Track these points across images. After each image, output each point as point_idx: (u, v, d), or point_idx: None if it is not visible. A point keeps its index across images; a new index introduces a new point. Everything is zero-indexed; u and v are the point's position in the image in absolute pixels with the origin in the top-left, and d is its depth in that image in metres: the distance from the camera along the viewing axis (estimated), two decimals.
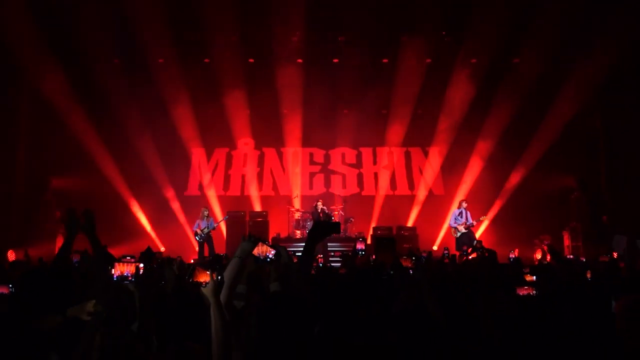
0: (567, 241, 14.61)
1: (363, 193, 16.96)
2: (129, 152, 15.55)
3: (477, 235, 14.22)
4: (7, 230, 14.10)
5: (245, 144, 17.06)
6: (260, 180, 16.99)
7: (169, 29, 13.89)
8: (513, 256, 10.11)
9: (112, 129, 15.22)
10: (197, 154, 17.10)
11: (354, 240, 12.80)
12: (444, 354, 2.50)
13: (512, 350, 2.86)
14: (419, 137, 16.69)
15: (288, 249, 3.62)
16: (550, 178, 15.52)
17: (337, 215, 15.13)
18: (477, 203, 14.79)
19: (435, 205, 16.21)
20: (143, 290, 2.86)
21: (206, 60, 15.29)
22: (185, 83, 15.25)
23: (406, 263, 3.94)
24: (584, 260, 10.12)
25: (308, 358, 2.20)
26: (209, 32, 14.09)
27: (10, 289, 3.84)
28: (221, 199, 16.54)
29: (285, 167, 17.12)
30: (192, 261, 11.92)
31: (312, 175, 17.19)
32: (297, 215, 15.30)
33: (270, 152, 17.21)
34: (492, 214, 15.40)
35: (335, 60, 15.44)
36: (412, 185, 17.00)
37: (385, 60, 15.57)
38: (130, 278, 2.71)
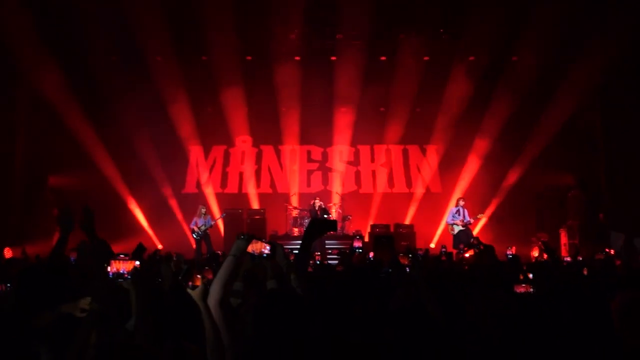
0: (564, 239, 14.63)
1: (361, 191, 16.98)
2: (126, 150, 15.52)
3: (475, 232, 14.23)
4: (5, 227, 14.04)
5: (243, 141, 17.05)
6: (258, 178, 16.99)
7: (167, 26, 13.84)
8: (511, 253, 10.11)
9: (110, 127, 15.17)
10: (195, 151, 17.09)
11: (352, 238, 12.83)
12: (441, 351, 2.50)
13: (510, 348, 2.86)
14: (416, 135, 16.71)
15: (286, 247, 3.63)
16: (547, 176, 15.55)
17: (334, 213, 15.12)
18: (474, 201, 14.81)
19: (433, 203, 16.24)
20: (140, 287, 2.86)
21: (204, 57, 15.25)
22: (183, 81, 15.22)
23: (403, 260, 3.94)
24: (581, 258, 10.13)
25: (305, 356, 2.19)
26: (207, 29, 14.04)
27: (7, 287, 3.83)
28: (219, 197, 16.54)
29: (283, 164, 17.12)
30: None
31: (309, 172, 17.20)
32: (295, 212, 15.31)
33: (268, 150, 17.21)
34: (489, 211, 15.42)
35: (333, 58, 15.41)
36: (409, 183, 17.03)
37: (383, 58, 15.55)
38: (126, 275, 2.70)
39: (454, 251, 11.65)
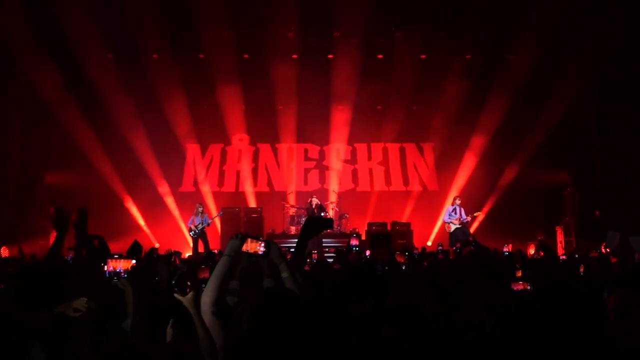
0: (560, 236, 14.68)
1: (358, 189, 16.99)
2: (122, 148, 15.49)
3: (472, 230, 14.26)
4: (0, 226, 14.02)
5: (239, 139, 17.04)
6: (255, 176, 16.98)
7: (163, 24, 13.82)
8: (507, 251, 10.14)
9: (106, 125, 15.13)
10: (192, 149, 17.07)
11: (349, 236, 12.83)
12: (437, 349, 2.51)
13: (508, 345, 2.87)
14: (413, 133, 16.73)
15: (283, 245, 3.63)
16: (544, 174, 15.59)
17: (331, 211, 15.12)
18: (471, 199, 14.84)
19: (430, 201, 16.27)
20: (136, 286, 2.86)
21: (201, 55, 15.22)
22: (179, 78, 15.19)
23: (400, 259, 3.95)
24: (577, 255, 10.16)
25: (302, 354, 2.20)
26: (203, 27, 14.03)
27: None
28: (216, 195, 16.51)
29: (280, 163, 17.11)
30: (187, 256, 11.92)
31: (306, 171, 17.20)
32: (292, 211, 15.30)
33: (265, 148, 17.19)
34: (486, 209, 15.44)
35: (330, 56, 15.41)
36: (406, 181, 17.04)
37: (380, 56, 15.56)
38: (122, 274, 2.70)
39: (451, 249, 11.66)
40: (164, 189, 16.16)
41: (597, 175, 15.38)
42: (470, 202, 14.41)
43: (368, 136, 16.93)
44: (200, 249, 13.36)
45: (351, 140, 16.95)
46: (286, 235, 14.53)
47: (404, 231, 14.66)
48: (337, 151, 17.11)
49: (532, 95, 14.95)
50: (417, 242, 14.15)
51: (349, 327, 2.72)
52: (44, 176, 15.59)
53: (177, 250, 9.63)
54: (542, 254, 13.20)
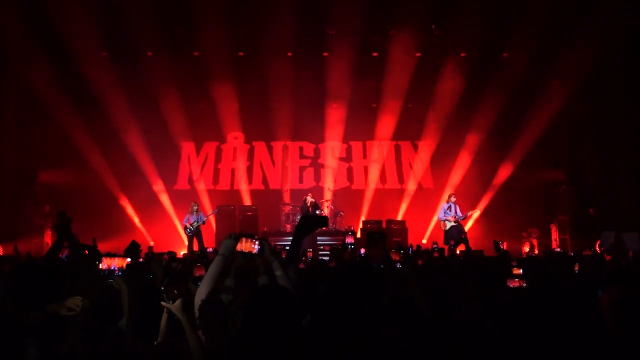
0: (554, 234, 14.74)
1: (353, 187, 16.99)
2: (117, 146, 15.44)
3: (466, 228, 14.30)
4: None
5: (234, 137, 17.00)
6: (250, 174, 16.95)
7: (158, 21, 13.78)
8: (502, 248, 10.14)
9: (101, 122, 15.07)
10: (187, 147, 17.02)
11: (344, 234, 12.84)
12: (432, 346, 2.51)
13: (505, 344, 2.88)
14: (408, 131, 16.72)
15: (278, 243, 3.62)
16: (538, 171, 15.64)
17: (326, 209, 15.12)
18: (466, 196, 14.87)
19: (425, 199, 16.27)
20: (131, 285, 2.85)
21: (195, 53, 15.19)
22: (174, 76, 15.14)
23: (395, 256, 3.95)
24: (572, 253, 10.21)
25: (297, 352, 2.19)
26: (198, 25, 13.99)
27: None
28: (211, 193, 16.47)
29: (275, 161, 17.09)
30: (182, 254, 11.91)
31: (302, 169, 17.18)
32: (287, 209, 15.29)
33: (260, 146, 17.16)
34: (480, 207, 15.47)
35: (325, 54, 15.39)
36: (401, 179, 17.05)
37: (375, 54, 15.56)
38: (116, 272, 2.70)
39: (446, 247, 11.69)
40: (158, 187, 16.11)
41: (592, 173, 15.45)
42: (465, 200, 14.43)
43: (363, 134, 16.91)
44: (196, 247, 13.36)
45: (346, 138, 16.94)
46: (281, 233, 14.51)
47: (399, 229, 14.66)
48: (332, 149, 17.09)
49: (527, 93, 14.97)
50: (412, 240, 14.16)
51: (347, 327, 2.72)
52: (38, 174, 15.53)
53: (171, 250, 9.63)
54: (537, 251, 13.28)
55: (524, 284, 3.88)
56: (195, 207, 13.87)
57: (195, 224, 13.58)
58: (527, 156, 15.33)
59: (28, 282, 2.86)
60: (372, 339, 2.43)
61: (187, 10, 13.66)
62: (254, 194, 16.54)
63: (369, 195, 16.52)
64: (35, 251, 11.80)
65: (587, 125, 15.63)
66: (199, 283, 2.84)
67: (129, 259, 2.84)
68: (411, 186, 16.76)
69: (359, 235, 14.29)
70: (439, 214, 13.71)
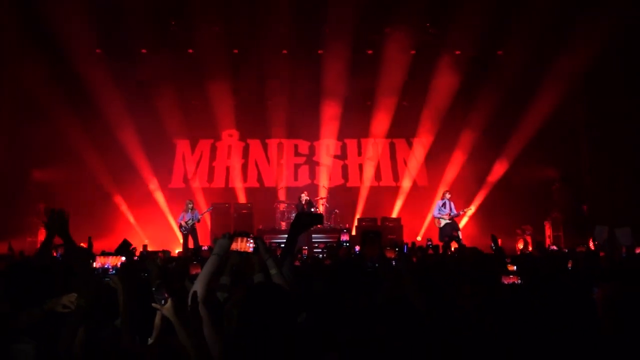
0: (548, 231, 14.81)
1: (348, 184, 17.00)
2: (111, 144, 15.36)
3: (461, 225, 14.35)
4: None
5: (229, 135, 16.98)
6: (245, 172, 16.93)
7: (152, 19, 13.73)
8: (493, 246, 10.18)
9: (95, 120, 14.99)
10: (182, 145, 16.99)
11: (339, 231, 12.86)
12: (427, 343, 2.52)
13: (500, 339, 2.89)
14: (403, 129, 16.74)
15: (273, 241, 3.62)
16: (532, 169, 15.70)
17: (321, 206, 15.13)
18: (460, 194, 14.92)
19: (420, 196, 16.31)
20: (125, 283, 2.85)
21: (190, 50, 15.15)
22: (169, 74, 15.08)
23: (390, 254, 3.96)
24: (566, 250, 10.26)
25: (293, 350, 2.20)
26: (193, 22, 13.95)
27: None
28: (205, 191, 16.46)
29: (270, 158, 17.08)
30: (177, 252, 11.90)
31: (297, 166, 17.18)
32: (282, 207, 15.29)
33: (254, 144, 17.15)
34: (475, 204, 15.53)
35: (320, 52, 15.38)
36: (396, 177, 17.08)
37: (369, 52, 15.56)
38: (111, 271, 2.69)
39: (441, 244, 11.72)
40: (153, 185, 16.08)
41: (585, 171, 15.51)
42: (459, 198, 14.49)
43: (358, 131, 16.93)
44: (191, 245, 13.34)
45: (341, 136, 16.95)
46: (276, 231, 14.51)
47: (394, 226, 14.70)
48: (327, 147, 17.10)
49: (521, 91, 15.00)
50: (407, 237, 14.20)
51: (343, 324, 2.73)
52: (32, 172, 15.46)
53: (165, 249, 9.60)
54: (530, 248, 13.33)
55: (519, 281, 3.90)
56: (190, 205, 13.85)
57: (190, 222, 13.57)
58: (521, 154, 15.37)
59: (22, 280, 2.85)
60: (367, 336, 2.43)
61: (182, 7, 13.62)
62: (249, 191, 16.53)
63: (364, 193, 16.54)
64: (29, 249, 11.76)
65: (581, 123, 15.68)
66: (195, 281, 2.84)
67: (123, 258, 2.84)
68: (406, 184, 16.79)
69: (354, 233, 14.32)
70: (434, 211, 13.74)
